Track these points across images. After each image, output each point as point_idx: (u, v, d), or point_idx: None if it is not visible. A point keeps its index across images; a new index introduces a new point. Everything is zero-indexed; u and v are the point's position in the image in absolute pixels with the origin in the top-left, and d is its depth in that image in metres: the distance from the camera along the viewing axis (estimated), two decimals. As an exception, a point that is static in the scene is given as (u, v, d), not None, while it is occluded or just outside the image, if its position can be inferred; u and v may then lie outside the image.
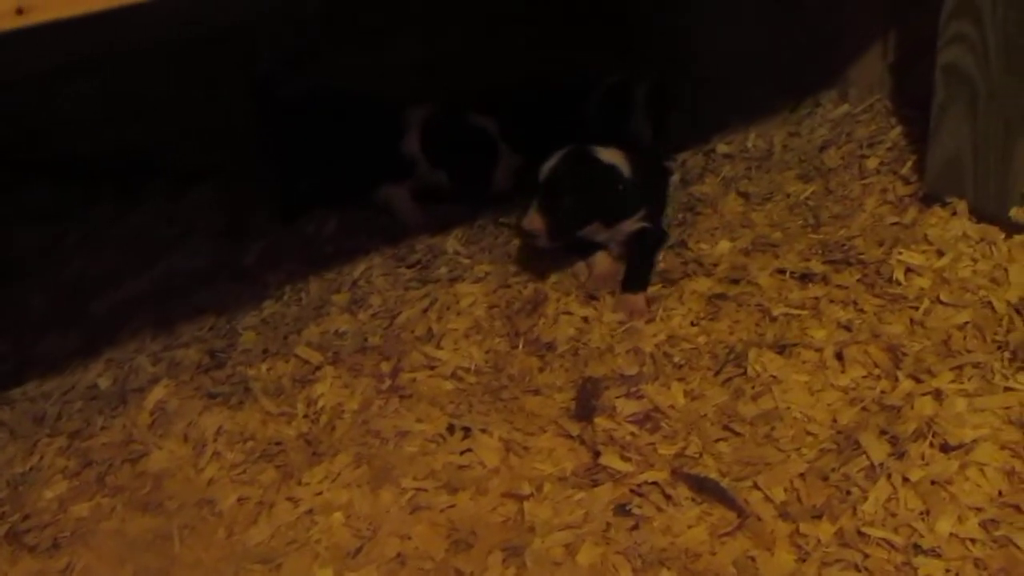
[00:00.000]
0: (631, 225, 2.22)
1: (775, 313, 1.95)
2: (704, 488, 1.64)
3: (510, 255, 2.32)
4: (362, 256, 2.38)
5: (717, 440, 1.73)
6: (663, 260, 2.21)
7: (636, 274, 2.16)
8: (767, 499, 1.61)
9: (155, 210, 2.76)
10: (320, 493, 1.73)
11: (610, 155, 2.19)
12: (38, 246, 2.65)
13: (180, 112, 2.74)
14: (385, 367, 2.00)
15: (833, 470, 1.62)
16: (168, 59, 2.76)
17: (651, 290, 2.12)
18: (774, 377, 1.82)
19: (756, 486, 1.62)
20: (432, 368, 1.98)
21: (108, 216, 2.74)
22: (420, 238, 2.43)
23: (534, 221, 2.08)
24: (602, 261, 2.23)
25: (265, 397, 1.96)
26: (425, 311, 2.13)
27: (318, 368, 2.02)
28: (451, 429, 1.83)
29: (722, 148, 2.61)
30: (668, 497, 1.64)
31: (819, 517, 1.55)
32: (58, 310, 2.39)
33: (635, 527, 1.60)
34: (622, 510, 1.63)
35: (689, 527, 1.59)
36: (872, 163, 2.36)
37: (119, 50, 2.67)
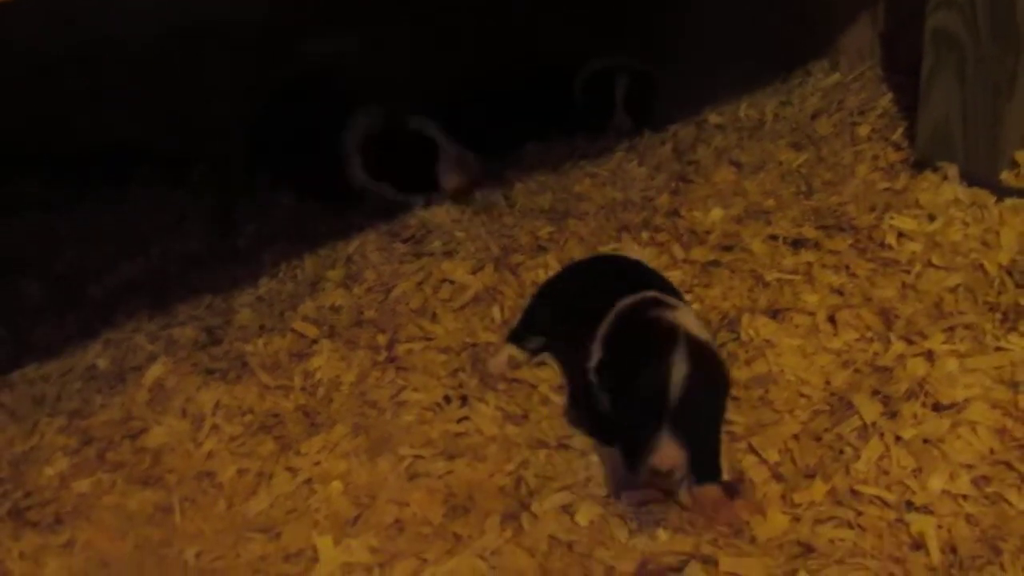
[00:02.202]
0: None
1: (768, 279, 1.96)
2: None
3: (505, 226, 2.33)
4: (356, 232, 2.38)
5: (712, 404, 1.74)
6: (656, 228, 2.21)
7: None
8: (761, 461, 1.62)
9: (147, 198, 2.76)
10: (318, 463, 1.73)
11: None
12: (33, 235, 2.64)
13: (169, 102, 2.74)
14: (381, 339, 2.00)
15: (826, 430, 1.64)
16: (157, 49, 2.76)
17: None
18: (767, 341, 1.83)
19: (751, 448, 1.64)
20: (428, 340, 1.98)
21: (101, 205, 2.73)
22: (413, 213, 2.43)
23: (673, 454, 1.44)
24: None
25: (262, 371, 1.96)
26: (419, 285, 2.14)
27: (314, 342, 2.02)
28: (448, 399, 1.84)
29: (714, 119, 2.61)
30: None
31: (812, 476, 1.57)
32: (55, 296, 2.38)
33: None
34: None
35: (685, 488, 1.60)
36: (863, 130, 2.37)
37: (109, 41, 2.68)
